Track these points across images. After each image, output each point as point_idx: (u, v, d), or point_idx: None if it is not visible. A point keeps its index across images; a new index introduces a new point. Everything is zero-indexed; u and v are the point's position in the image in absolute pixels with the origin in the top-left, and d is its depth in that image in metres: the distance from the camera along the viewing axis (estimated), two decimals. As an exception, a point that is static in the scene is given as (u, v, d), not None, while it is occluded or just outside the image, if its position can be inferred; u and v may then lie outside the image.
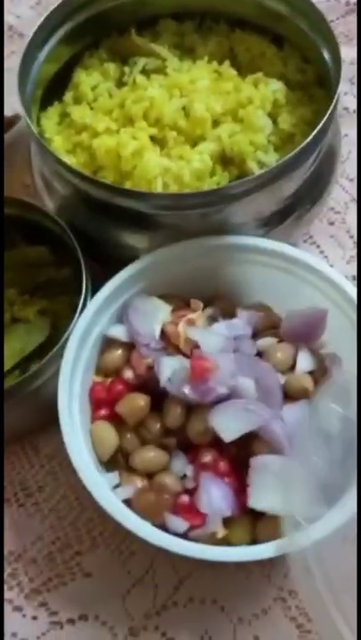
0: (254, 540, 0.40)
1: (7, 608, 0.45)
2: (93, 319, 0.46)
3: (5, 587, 0.45)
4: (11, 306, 0.52)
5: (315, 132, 0.46)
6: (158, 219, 0.49)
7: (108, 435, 0.44)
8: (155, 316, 0.47)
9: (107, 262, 0.53)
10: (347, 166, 0.59)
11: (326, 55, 0.52)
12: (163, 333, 0.47)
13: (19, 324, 0.52)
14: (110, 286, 0.47)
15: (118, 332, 0.47)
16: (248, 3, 0.56)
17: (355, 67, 0.64)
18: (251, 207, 0.48)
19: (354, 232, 0.57)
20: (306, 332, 0.46)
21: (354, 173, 0.59)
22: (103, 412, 0.45)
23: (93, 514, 0.47)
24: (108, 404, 0.45)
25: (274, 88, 0.52)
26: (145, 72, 0.55)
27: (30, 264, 0.54)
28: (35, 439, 0.50)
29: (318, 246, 0.57)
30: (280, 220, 0.51)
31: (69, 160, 0.52)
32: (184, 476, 0.42)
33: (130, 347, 0.47)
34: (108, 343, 0.47)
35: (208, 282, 0.50)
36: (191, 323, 0.46)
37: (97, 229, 0.52)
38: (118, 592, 0.45)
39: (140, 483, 0.42)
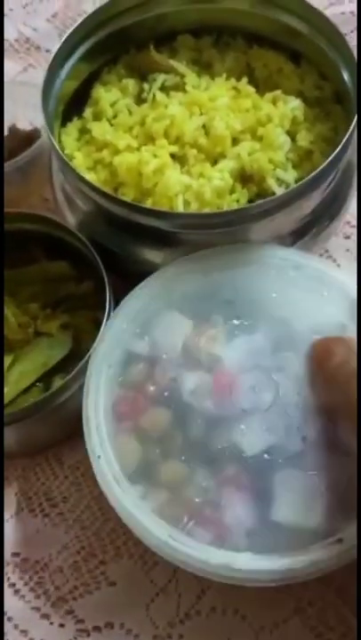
0: (276, 550, 0.41)
1: (35, 616, 0.46)
2: (117, 334, 0.47)
3: (32, 595, 0.47)
4: (34, 320, 0.53)
5: (336, 151, 0.47)
6: (178, 236, 0.50)
7: (133, 448, 0.45)
8: (176, 330, 0.48)
9: (127, 276, 0.54)
10: (362, 181, 0.60)
11: (344, 72, 0.53)
12: (185, 348, 0.48)
13: (42, 338, 0.53)
14: (133, 301, 0.48)
15: (141, 347, 0.48)
16: (265, 19, 0.57)
17: (369, 81, 0.65)
18: (270, 226, 0.49)
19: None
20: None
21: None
22: (127, 425, 0.45)
23: (117, 524, 0.48)
24: (131, 418, 0.45)
25: (292, 106, 0.53)
26: (164, 89, 0.56)
27: (51, 279, 0.55)
28: (59, 451, 0.51)
29: (335, 260, 0.58)
30: (299, 236, 0.52)
31: (91, 177, 0.53)
32: (206, 489, 0.43)
33: (152, 361, 0.47)
34: (130, 358, 0.48)
35: (228, 295, 0.50)
36: (212, 338, 0.47)
37: (117, 245, 0.53)
38: (142, 601, 0.46)
39: (163, 495, 0.43)
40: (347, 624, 0.44)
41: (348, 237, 0.58)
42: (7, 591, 0.47)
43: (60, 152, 0.50)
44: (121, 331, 0.48)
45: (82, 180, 0.49)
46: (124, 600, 0.46)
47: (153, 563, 0.47)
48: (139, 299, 0.49)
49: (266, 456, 0.42)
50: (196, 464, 0.44)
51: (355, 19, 0.69)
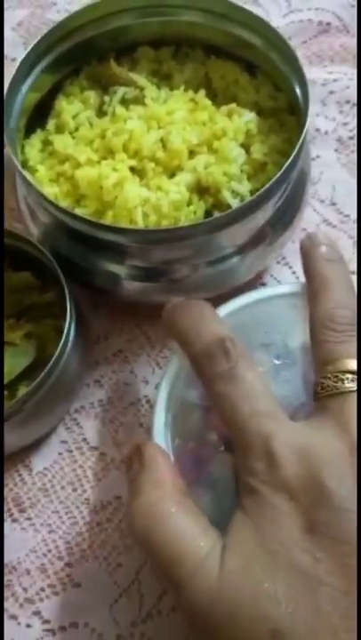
0: None
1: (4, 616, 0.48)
2: (174, 383, 0.47)
3: (1, 597, 0.49)
4: (-2, 329, 0.55)
5: (287, 163, 0.49)
6: (137, 250, 0.51)
7: (206, 499, 0.43)
8: None
9: (91, 287, 0.56)
10: (318, 188, 0.62)
11: (295, 85, 0.55)
12: None
13: (6, 348, 0.54)
14: (180, 352, 0.46)
15: (193, 395, 0.47)
16: (220, 31, 0.59)
17: (326, 88, 0.66)
18: (227, 237, 0.51)
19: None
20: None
21: (325, 194, 0.62)
22: (192, 476, 0.44)
23: (83, 527, 0.50)
24: (195, 467, 0.44)
25: (246, 119, 0.55)
26: (124, 101, 0.58)
27: (15, 289, 0.56)
28: (26, 458, 0.53)
29: (291, 267, 0.59)
30: (254, 245, 0.54)
31: (53, 189, 0.54)
32: None
33: (208, 408, 0.46)
34: (184, 406, 0.47)
35: (262, 339, 0.48)
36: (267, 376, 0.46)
37: (79, 257, 0.54)
38: (106, 601, 0.48)
39: None
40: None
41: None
42: (-23, 594, 0.49)
43: (20, 167, 0.51)
44: (177, 379, 0.47)
45: (41, 194, 0.50)
46: (88, 601, 0.48)
47: (116, 564, 0.49)
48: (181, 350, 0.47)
49: None
50: None
51: (313, 27, 0.70)
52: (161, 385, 0.47)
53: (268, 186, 0.48)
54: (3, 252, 0.56)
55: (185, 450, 0.46)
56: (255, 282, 0.58)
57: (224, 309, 0.50)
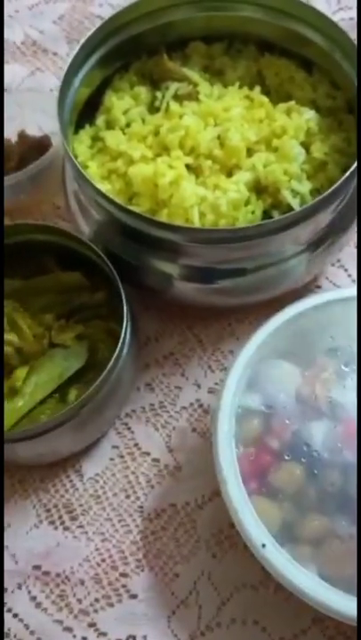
0: None
1: (57, 629, 0.46)
2: (236, 391, 0.46)
3: (54, 608, 0.47)
4: (48, 331, 0.53)
5: (354, 165, 0.47)
6: (193, 249, 0.50)
7: (271, 509, 0.43)
8: (287, 379, 0.47)
9: (142, 287, 0.54)
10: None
11: (357, 81, 0.53)
12: (298, 397, 0.46)
13: (57, 349, 0.53)
14: (244, 356, 0.47)
15: (253, 401, 0.47)
16: (276, 27, 0.57)
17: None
18: (286, 239, 0.50)
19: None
20: None
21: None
22: (255, 484, 0.44)
23: (137, 536, 0.49)
24: (257, 477, 0.44)
25: (307, 117, 0.53)
26: (177, 97, 0.56)
27: (65, 289, 0.55)
28: (77, 463, 0.51)
29: (346, 269, 0.58)
30: (314, 248, 0.52)
31: (105, 187, 0.53)
32: (352, 537, 0.42)
33: (268, 414, 0.46)
34: (245, 413, 0.46)
35: (329, 344, 0.49)
36: (327, 382, 0.46)
37: (132, 255, 0.53)
38: (163, 613, 0.46)
39: (311, 552, 0.42)
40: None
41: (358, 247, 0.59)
42: (29, 604, 0.47)
43: (77, 163, 0.50)
44: (237, 387, 0.46)
45: (97, 190, 0.49)
46: (145, 612, 0.46)
47: (173, 575, 0.47)
48: (249, 355, 0.47)
49: None
50: (336, 514, 0.43)
51: (363, 23, 0.69)
52: (224, 390, 0.46)
53: (334, 187, 0.47)
54: (3, 251, 0.54)
55: (247, 457, 0.45)
56: (311, 284, 0.56)
57: (286, 314, 0.49)
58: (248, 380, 0.47)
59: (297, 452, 0.44)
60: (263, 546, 0.41)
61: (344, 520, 0.43)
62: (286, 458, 0.44)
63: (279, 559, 0.41)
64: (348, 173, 0.47)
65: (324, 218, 0.51)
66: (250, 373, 0.47)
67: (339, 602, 0.40)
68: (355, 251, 0.58)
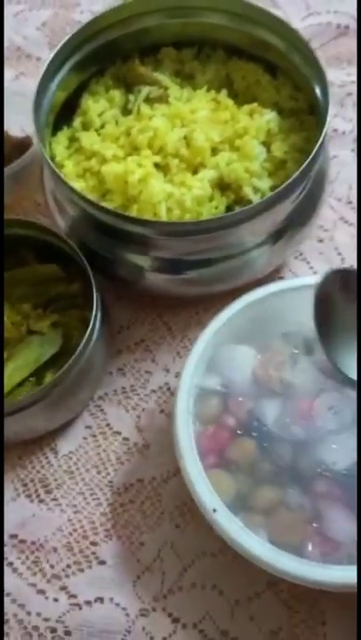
0: None
1: (31, 591, 0.50)
2: (194, 372, 0.49)
3: (29, 572, 0.51)
4: (26, 319, 0.57)
5: (307, 161, 0.51)
6: (162, 242, 0.53)
7: (226, 481, 0.47)
8: (244, 362, 0.50)
9: (115, 278, 0.58)
10: (335, 186, 0.64)
11: (316, 86, 0.57)
12: (254, 378, 0.50)
13: (34, 336, 0.56)
14: (203, 340, 0.50)
15: (212, 382, 0.50)
16: (241, 33, 0.61)
17: (345, 89, 0.68)
18: (247, 231, 0.53)
19: (342, 249, 0.61)
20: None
21: (342, 193, 0.64)
22: (212, 459, 0.47)
23: (107, 509, 0.53)
24: (215, 452, 0.48)
25: (268, 118, 0.57)
26: (148, 100, 0.60)
27: (42, 280, 0.58)
28: (52, 441, 0.55)
29: (308, 262, 0.61)
30: (274, 240, 0.56)
31: (80, 184, 0.56)
32: (302, 507, 0.46)
33: (225, 394, 0.50)
34: (204, 393, 0.50)
35: (283, 328, 0.52)
36: (281, 365, 0.49)
37: (105, 249, 0.56)
38: (129, 578, 0.50)
39: (263, 521, 0.46)
40: (313, 597, 0.49)
41: (321, 241, 0.62)
42: (6, 570, 0.51)
43: (50, 162, 0.53)
44: (196, 368, 0.50)
45: (70, 188, 0.52)
46: (113, 577, 0.50)
47: (139, 543, 0.51)
48: (208, 338, 0.51)
49: (355, 469, 0.45)
50: (288, 486, 0.46)
51: (331, 29, 0.72)
52: (183, 372, 0.49)
53: (288, 182, 0.50)
54: (3, 248, 0.58)
55: (205, 434, 0.48)
56: (274, 275, 0.60)
57: (244, 300, 0.52)
58: (208, 363, 0.51)
59: (250, 428, 0.48)
60: (214, 510, 0.45)
61: (294, 491, 0.46)
62: (240, 433, 0.48)
63: (230, 524, 0.45)
64: (302, 167, 0.50)
65: (282, 211, 0.54)
66: (209, 357, 0.51)
67: (286, 563, 0.44)
68: (316, 244, 0.62)
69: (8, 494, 0.54)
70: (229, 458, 0.48)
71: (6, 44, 0.75)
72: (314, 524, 0.45)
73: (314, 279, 0.50)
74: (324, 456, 0.46)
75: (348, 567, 0.43)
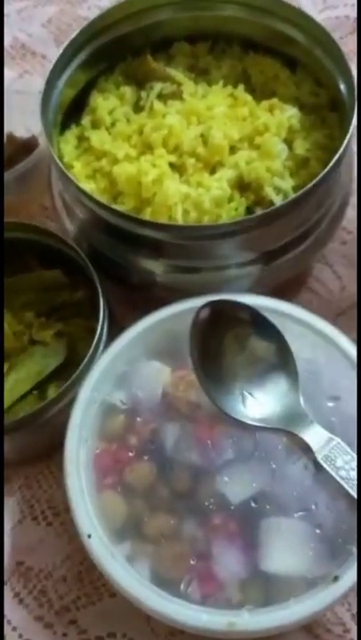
0: (268, 601, 0.40)
1: (38, 625, 0.46)
2: (96, 386, 0.46)
3: (36, 603, 0.47)
4: (28, 328, 0.54)
5: (333, 160, 0.47)
6: (177, 246, 0.50)
7: (118, 504, 0.43)
8: (155, 378, 0.47)
9: (125, 284, 0.55)
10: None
11: (340, 80, 0.53)
12: (164, 396, 0.46)
13: (37, 347, 0.53)
14: (111, 352, 0.47)
15: (120, 398, 0.47)
16: (259, 25, 0.57)
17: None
18: (268, 235, 0.50)
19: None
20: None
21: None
22: (110, 480, 0.44)
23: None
24: (114, 471, 0.44)
25: (289, 114, 0.53)
26: (161, 97, 0.57)
27: (46, 287, 0.55)
28: (60, 459, 0.51)
29: (331, 266, 0.58)
30: (297, 244, 0.52)
31: (90, 186, 0.53)
32: (195, 540, 0.42)
33: (132, 412, 0.46)
34: (110, 409, 0.47)
35: None
36: (190, 384, 0.46)
37: (116, 254, 0.53)
38: (142, 612, 0.46)
39: (151, 551, 0.42)
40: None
41: (344, 243, 0.59)
42: (12, 600, 0.47)
43: (59, 162, 0.50)
44: (100, 382, 0.47)
45: (80, 190, 0.49)
46: (125, 611, 0.46)
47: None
48: (117, 350, 0.48)
49: (252, 503, 0.42)
50: (184, 515, 0.42)
51: (350, 23, 0.69)
52: (83, 384, 0.46)
53: (314, 181, 0.47)
54: (3, 253, 0.54)
55: (107, 452, 0.45)
56: (296, 282, 0.56)
57: (159, 315, 0.49)
58: (118, 378, 0.47)
59: (152, 451, 0.44)
60: (89, 537, 0.41)
61: (188, 521, 0.42)
62: (141, 455, 0.44)
63: (102, 552, 0.41)
64: (328, 167, 0.47)
65: (307, 213, 0.51)
66: (119, 371, 0.47)
67: (154, 600, 0.40)
68: (340, 247, 0.58)
69: (14, 517, 0.50)
70: (127, 480, 0.44)
71: (10, 41, 0.72)
72: (201, 560, 0.41)
73: (242, 297, 0.47)
74: (221, 487, 0.42)
75: (228, 612, 0.40)
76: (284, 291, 0.53)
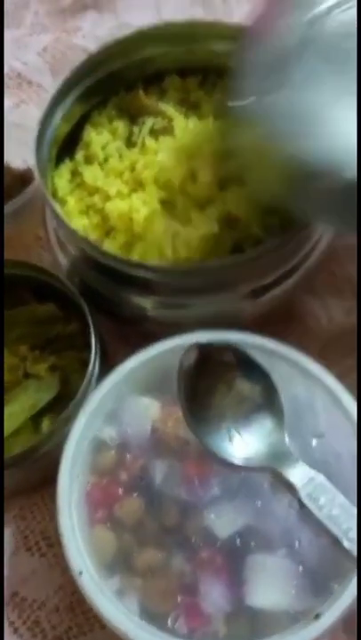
0: (253, 635, 0.41)
1: (32, 655, 0.48)
2: (87, 423, 0.47)
3: (30, 634, 0.49)
4: (22, 362, 0.55)
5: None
6: (166, 284, 0.51)
7: (108, 539, 0.44)
8: (145, 414, 0.48)
9: (116, 318, 0.56)
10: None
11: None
12: (153, 431, 0.47)
13: (30, 381, 0.54)
14: (102, 390, 0.48)
15: (110, 434, 0.48)
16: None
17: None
18: (257, 270, 0.51)
19: (354, 280, 0.59)
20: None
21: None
22: (100, 514, 0.45)
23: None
24: (104, 506, 0.45)
25: (277, 151, 0.54)
26: (153, 132, 0.58)
27: (40, 320, 0.56)
28: (54, 490, 0.52)
29: (320, 297, 0.59)
30: (286, 277, 0.53)
31: (82, 222, 0.54)
32: (183, 574, 0.43)
33: (122, 447, 0.47)
34: (100, 445, 0.48)
35: None
36: (179, 420, 0.46)
37: (106, 289, 0.54)
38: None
39: (140, 585, 0.43)
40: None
41: (333, 274, 0.60)
42: (7, 630, 0.48)
43: (52, 202, 0.51)
44: (92, 418, 0.48)
45: (72, 231, 0.50)
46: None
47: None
48: (109, 387, 0.49)
49: (238, 539, 0.43)
50: (172, 550, 0.44)
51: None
52: (75, 422, 0.47)
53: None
54: (3, 284, 0.56)
55: (98, 487, 0.46)
56: (284, 313, 0.57)
57: (150, 352, 0.50)
58: (108, 414, 0.49)
59: (141, 487, 0.45)
60: (80, 573, 0.43)
61: (177, 555, 0.43)
62: (130, 490, 0.46)
63: (91, 587, 0.42)
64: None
65: (298, 247, 0.52)
66: (110, 407, 0.49)
67: (136, 633, 0.41)
68: (326, 277, 0.59)
69: (9, 548, 0.51)
70: (117, 514, 0.45)
71: (6, 70, 0.73)
72: (188, 595, 0.42)
73: (231, 335, 0.48)
74: (208, 523, 0.44)
75: None
76: (273, 322, 0.54)
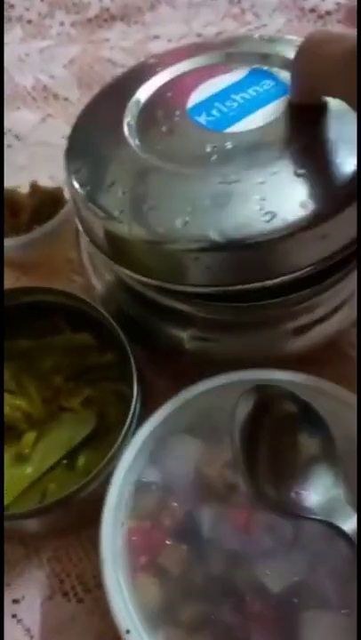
0: None
1: None
2: (130, 467, 0.45)
3: None
4: (57, 394, 0.52)
5: None
6: (204, 318, 0.49)
7: (152, 590, 0.42)
8: (188, 456, 0.46)
9: (153, 348, 0.53)
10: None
11: None
12: (197, 473, 0.45)
13: (66, 415, 0.52)
14: (144, 432, 0.46)
15: (153, 477, 0.46)
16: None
17: None
18: (299, 308, 0.49)
19: None
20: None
21: None
22: (143, 561, 0.43)
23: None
24: (147, 553, 0.43)
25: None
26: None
27: (75, 350, 0.54)
28: (92, 532, 0.50)
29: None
30: (331, 314, 0.51)
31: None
32: (231, 628, 0.41)
33: (165, 490, 0.45)
34: (143, 488, 0.46)
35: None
36: (227, 463, 0.45)
37: (141, 318, 0.52)
38: None
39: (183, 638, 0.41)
40: None
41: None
42: None
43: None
44: (136, 460, 0.46)
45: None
46: None
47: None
48: (152, 428, 0.47)
49: (292, 593, 0.40)
50: (219, 601, 0.41)
51: None
52: (118, 466, 0.45)
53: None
54: (3, 320, 0.53)
55: (139, 531, 0.44)
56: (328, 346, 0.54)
57: (193, 391, 0.48)
58: (150, 454, 0.46)
59: (185, 532, 0.43)
60: (127, 632, 0.40)
61: (224, 607, 0.41)
62: (175, 538, 0.43)
63: None
64: None
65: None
66: (152, 447, 0.46)
67: None
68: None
69: (44, 592, 0.49)
70: (161, 563, 0.43)
71: (32, 83, 0.71)
72: None
73: (277, 375, 0.46)
74: (259, 574, 0.41)
75: None
76: (316, 356, 0.52)
